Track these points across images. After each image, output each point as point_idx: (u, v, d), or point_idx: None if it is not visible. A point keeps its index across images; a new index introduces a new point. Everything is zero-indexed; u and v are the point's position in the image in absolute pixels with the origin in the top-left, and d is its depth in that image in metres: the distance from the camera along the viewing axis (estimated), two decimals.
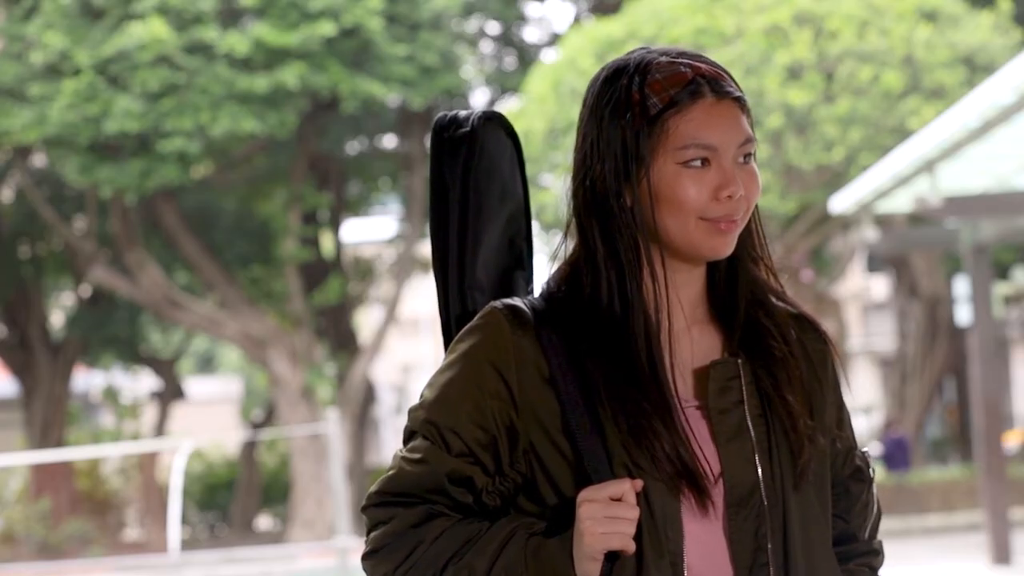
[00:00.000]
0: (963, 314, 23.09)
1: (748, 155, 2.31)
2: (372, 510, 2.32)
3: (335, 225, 28.65)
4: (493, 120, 2.49)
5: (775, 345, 2.34)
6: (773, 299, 2.38)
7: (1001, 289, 27.13)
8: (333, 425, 17.43)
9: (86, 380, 35.76)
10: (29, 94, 22.03)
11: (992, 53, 19.46)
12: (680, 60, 2.32)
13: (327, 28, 21.66)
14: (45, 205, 24.80)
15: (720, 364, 2.32)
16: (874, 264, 37.40)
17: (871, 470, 2.47)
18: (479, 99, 26.75)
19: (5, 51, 22.53)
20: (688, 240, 2.29)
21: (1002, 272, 27.49)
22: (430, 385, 2.34)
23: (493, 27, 25.96)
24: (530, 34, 26.43)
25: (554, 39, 25.96)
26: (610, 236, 2.31)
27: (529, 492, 2.32)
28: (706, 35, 19.57)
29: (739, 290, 2.36)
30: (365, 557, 2.32)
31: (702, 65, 2.32)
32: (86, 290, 28.10)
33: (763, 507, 2.30)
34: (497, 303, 2.35)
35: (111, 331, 27.67)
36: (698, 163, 2.28)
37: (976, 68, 19.32)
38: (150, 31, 21.30)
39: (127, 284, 24.74)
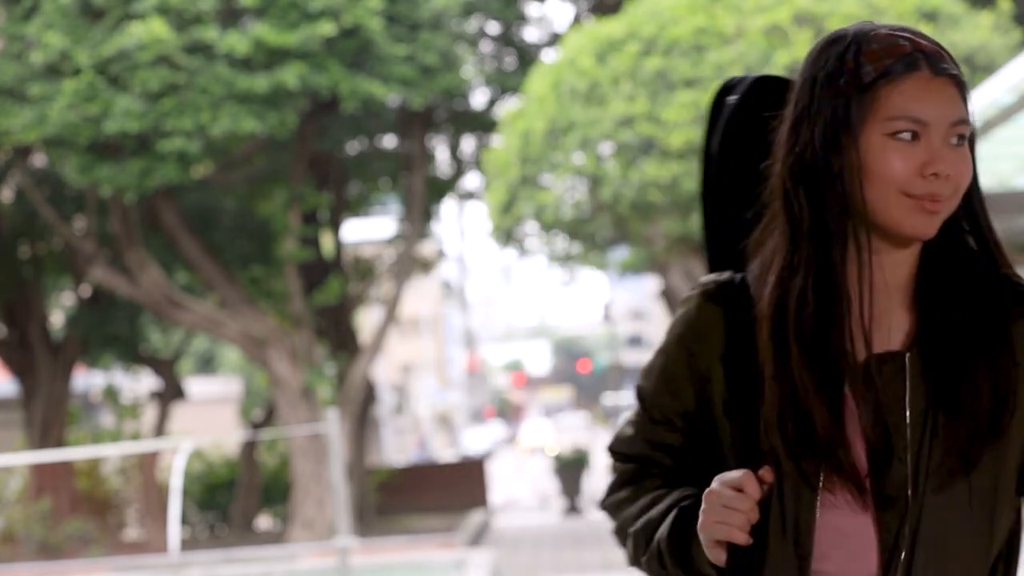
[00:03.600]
0: None
1: (961, 137, 2.26)
2: (611, 456, 2.52)
3: (335, 225, 28.65)
4: (766, 84, 2.47)
5: (977, 343, 2.28)
6: (997, 289, 2.32)
7: None
8: (333, 425, 17.43)
9: (86, 380, 35.74)
10: (29, 94, 22.02)
11: (992, 53, 19.46)
12: (900, 33, 2.29)
13: (327, 28, 21.66)
14: (45, 205, 24.79)
15: (888, 356, 2.29)
16: None
17: None
18: (479, 99, 26.76)
19: (5, 51, 22.52)
20: (889, 216, 2.25)
21: None
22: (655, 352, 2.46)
23: (493, 27, 25.96)
24: (530, 34, 26.43)
25: (554, 39, 25.95)
26: (817, 204, 2.28)
27: (711, 463, 2.38)
28: (706, 35, 19.58)
29: (945, 277, 2.32)
30: (604, 497, 2.52)
31: (922, 41, 2.28)
32: (86, 290, 28.09)
33: (906, 508, 2.27)
34: (707, 277, 2.40)
35: (111, 331, 27.66)
36: (907, 136, 2.24)
37: (976, 68, 19.32)
38: (150, 31, 21.30)
39: (127, 284, 24.73)
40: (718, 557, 2.31)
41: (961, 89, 2.28)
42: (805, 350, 2.27)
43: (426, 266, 32.98)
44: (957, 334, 2.28)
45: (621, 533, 2.46)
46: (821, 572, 2.30)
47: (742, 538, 2.27)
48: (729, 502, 2.27)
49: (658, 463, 2.43)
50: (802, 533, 2.28)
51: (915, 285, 2.32)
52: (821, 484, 2.28)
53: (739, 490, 2.27)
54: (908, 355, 2.29)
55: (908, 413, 2.27)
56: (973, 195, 2.33)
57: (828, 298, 2.27)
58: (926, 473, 2.26)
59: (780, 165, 2.31)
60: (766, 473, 2.28)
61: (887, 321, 2.30)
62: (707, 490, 2.30)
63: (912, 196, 2.24)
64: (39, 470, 25.89)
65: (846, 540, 2.28)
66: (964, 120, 2.26)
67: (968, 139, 2.29)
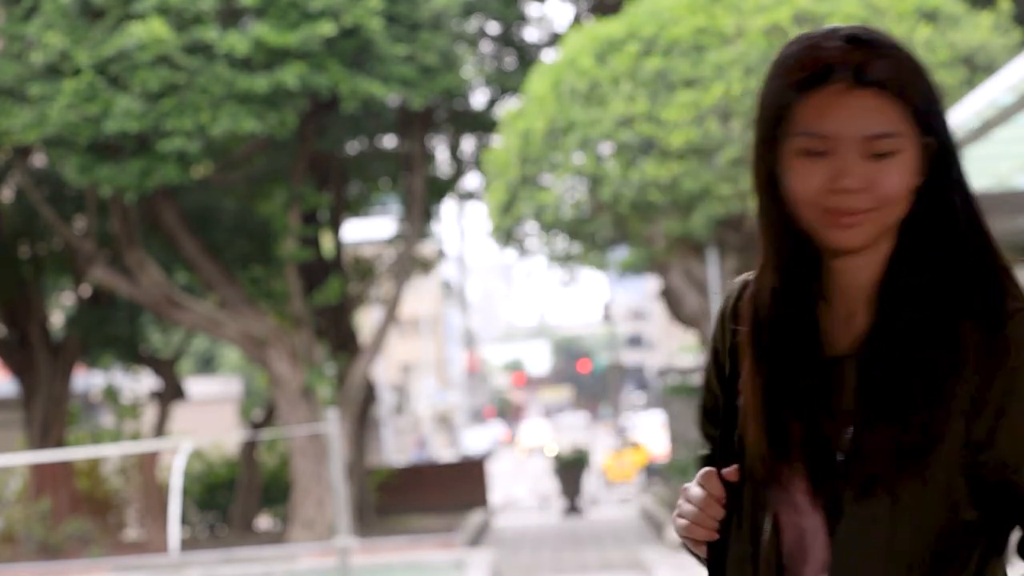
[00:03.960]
0: None
1: (882, 150, 2.20)
2: None
3: (335, 225, 28.65)
4: None
5: (919, 351, 2.22)
6: (957, 295, 2.24)
7: None
8: (333, 425, 17.44)
9: (86, 380, 35.73)
10: (29, 94, 22.02)
11: (992, 53, 19.47)
12: (831, 43, 2.23)
13: (327, 28, 21.66)
14: (45, 205, 24.79)
15: (828, 361, 2.27)
16: None
17: None
18: (479, 99, 26.76)
19: (5, 51, 22.52)
20: (813, 228, 2.23)
21: None
22: None
23: (493, 27, 25.96)
24: (530, 34, 26.44)
25: (554, 39, 25.95)
26: (762, 213, 2.29)
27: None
28: (706, 35, 19.58)
29: (906, 283, 2.25)
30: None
31: (855, 49, 2.21)
32: (86, 290, 28.09)
33: (836, 513, 2.25)
34: (741, 275, 2.44)
35: (111, 331, 27.65)
36: (816, 151, 2.20)
37: (976, 68, 19.32)
38: (150, 31, 21.30)
39: (127, 284, 24.73)
40: (699, 550, 2.35)
41: (896, 97, 2.21)
42: (776, 348, 2.28)
43: (426, 266, 32.98)
44: (900, 340, 2.23)
45: None
46: (796, 571, 2.30)
47: (700, 534, 2.31)
48: (691, 499, 2.31)
49: (712, 451, 2.47)
50: (756, 531, 2.29)
51: (879, 289, 2.27)
52: (779, 484, 2.28)
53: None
54: (851, 359, 2.26)
55: (838, 417, 2.25)
56: (952, 200, 2.26)
57: (797, 298, 2.27)
58: (850, 480, 2.23)
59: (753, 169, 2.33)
60: (730, 473, 2.30)
61: (851, 324, 2.28)
62: (685, 487, 2.35)
63: (828, 211, 2.21)
64: (39, 470, 25.89)
65: (810, 540, 2.29)
66: (885, 134, 2.20)
67: (940, 143, 2.23)
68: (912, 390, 2.21)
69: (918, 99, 2.22)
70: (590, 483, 37.63)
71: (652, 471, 40.33)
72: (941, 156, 2.25)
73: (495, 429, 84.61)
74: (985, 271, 2.26)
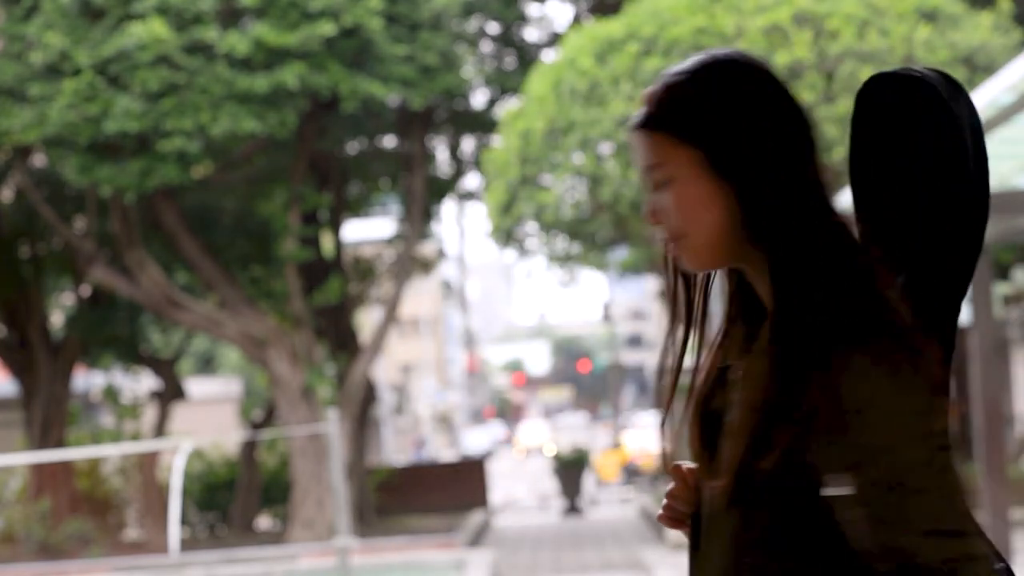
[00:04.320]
0: (963, 314, 23.06)
1: (657, 180, 2.28)
2: None
3: (335, 225, 28.65)
4: (883, 81, 2.53)
5: (761, 368, 2.21)
6: (800, 308, 2.21)
7: (1001, 289, 27.12)
8: (333, 425, 17.43)
9: (86, 380, 35.72)
10: (29, 94, 22.02)
11: (992, 53, 19.46)
12: (653, 87, 2.35)
13: (327, 28, 21.66)
14: (45, 205, 24.78)
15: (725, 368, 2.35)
16: None
17: (872, 488, 2.15)
18: (479, 99, 26.76)
19: (5, 51, 22.52)
20: None
21: (1002, 272, 27.49)
22: None
23: (493, 27, 25.96)
24: (530, 34, 26.44)
25: (554, 39, 25.95)
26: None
27: None
28: (706, 35, 19.57)
29: (777, 296, 2.26)
30: None
31: (648, 92, 2.32)
32: (86, 290, 28.09)
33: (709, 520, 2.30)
34: None
35: (111, 331, 27.65)
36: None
37: (976, 68, 19.32)
38: (150, 31, 21.30)
39: (127, 284, 24.73)
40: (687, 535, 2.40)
41: (668, 127, 2.26)
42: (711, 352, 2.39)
43: (426, 266, 32.98)
44: (769, 357, 2.20)
45: None
46: None
47: (666, 523, 2.37)
48: (669, 490, 2.38)
49: None
50: (698, 527, 2.32)
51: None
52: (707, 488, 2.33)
53: None
54: (721, 368, 2.33)
55: (718, 426, 2.28)
56: (765, 214, 2.25)
57: (687, 316, 2.38)
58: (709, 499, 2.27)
59: None
60: (692, 470, 2.34)
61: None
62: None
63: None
64: (39, 470, 25.89)
65: None
66: (655, 165, 2.27)
67: (742, 165, 2.24)
68: (750, 410, 2.19)
69: (690, 127, 2.25)
70: (589, 483, 37.63)
71: (631, 471, 40.40)
72: (753, 171, 2.25)
73: (495, 429, 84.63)
74: (828, 281, 2.22)
